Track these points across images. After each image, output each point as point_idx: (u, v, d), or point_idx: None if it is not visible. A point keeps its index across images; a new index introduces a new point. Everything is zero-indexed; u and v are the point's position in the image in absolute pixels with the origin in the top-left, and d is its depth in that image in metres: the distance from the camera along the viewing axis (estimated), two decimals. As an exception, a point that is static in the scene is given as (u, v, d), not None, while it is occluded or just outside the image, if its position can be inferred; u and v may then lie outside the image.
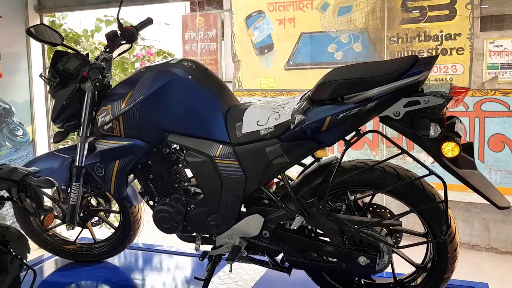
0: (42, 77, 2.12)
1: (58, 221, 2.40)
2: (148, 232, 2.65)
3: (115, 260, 2.52)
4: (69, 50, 2.08)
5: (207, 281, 1.95)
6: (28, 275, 1.68)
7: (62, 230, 2.56)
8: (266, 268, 2.35)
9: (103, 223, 2.49)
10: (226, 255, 1.92)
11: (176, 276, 2.41)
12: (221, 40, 8.45)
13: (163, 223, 1.99)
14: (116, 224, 2.46)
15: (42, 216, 2.13)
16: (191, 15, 8.67)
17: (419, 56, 1.56)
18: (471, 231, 6.58)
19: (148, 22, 2.23)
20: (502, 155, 6.49)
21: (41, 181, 1.77)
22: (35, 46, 3.23)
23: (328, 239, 1.80)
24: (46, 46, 3.24)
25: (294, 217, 1.77)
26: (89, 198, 2.38)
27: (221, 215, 1.88)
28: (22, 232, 2.04)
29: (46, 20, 3.45)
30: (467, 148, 1.60)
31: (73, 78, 2.02)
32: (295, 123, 1.64)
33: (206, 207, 1.91)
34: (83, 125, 2.06)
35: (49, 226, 2.45)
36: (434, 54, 5.53)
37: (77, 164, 2.12)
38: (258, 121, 1.76)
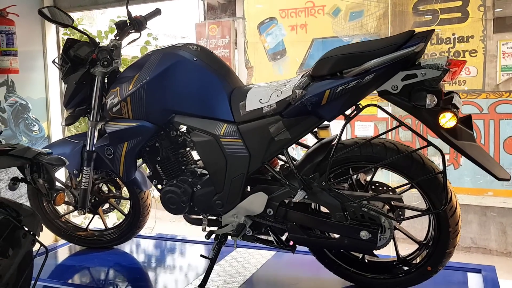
0: (55, 64, 2.21)
1: (71, 208, 2.47)
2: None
3: (126, 247, 2.58)
4: (75, 36, 2.16)
5: (213, 259, 1.99)
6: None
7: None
8: (273, 252, 2.39)
9: (113, 210, 2.54)
10: (231, 235, 1.96)
11: (184, 262, 2.45)
12: (234, 47, 8.56)
13: (171, 204, 2.04)
14: (126, 212, 2.52)
15: (54, 196, 2.19)
16: (204, 23, 8.81)
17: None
18: (487, 235, 6.49)
19: (156, 12, 2.31)
20: (519, 157, 6.41)
21: (53, 159, 1.84)
22: (51, 44, 3.34)
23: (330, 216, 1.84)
24: (60, 39, 3.34)
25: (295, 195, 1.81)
26: (100, 185, 2.45)
27: (226, 193, 1.92)
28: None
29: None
30: (466, 121, 1.62)
31: (83, 64, 2.10)
32: (296, 98, 1.69)
33: (212, 187, 1.96)
34: (93, 110, 2.13)
35: (62, 213, 2.52)
36: (445, 54, 5.54)
37: (88, 149, 2.19)
38: (261, 99, 1.81)
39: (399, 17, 6.87)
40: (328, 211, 1.84)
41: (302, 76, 1.76)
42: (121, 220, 2.53)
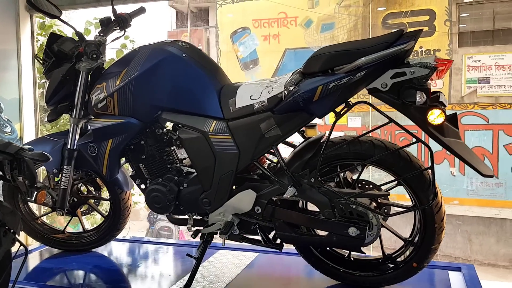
0: (38, 58, 2.15)
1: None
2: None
3: (104, 250, 2.51)
4: (58, 32, 2.11)
5: (199, 259, 1.97)
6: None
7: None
8: (256, 254, 2.38)
9: (93, 211, 2.48)
10: (219, 233, 1.95)
11: (165, 264, 2.41)
12: (206, 56, 8.56)
13: (155, 203, 2.00)
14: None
15: (35, 194, 2.12)
16: (177, 31, 8.79)
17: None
18: (453, 243, 6.67)
19: (140, 10, 2.29)
20: (482, 168, 6.61)
21: (36, 154, 1.78)
22: (25, 44, 3.26)
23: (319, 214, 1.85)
24: (35, 45, 3.27)
25: (286, 191, 1.81)
26: (79, 186, 2.39)
27: (214, 191, 1.91)
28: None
29: (36, 21, 3.49)
30: (452, 118, 1.67)
31: (67, 59, 2.06)
32: (288, 94, 1.70)
33: (199, 185, 1.94)
34: (76, 107, 2.08)
35: (38, 215, 2.44)
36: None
37: (69, 147, 2.13)
38: (251, 95, 1.81)
39: (368, 30, 7.05)
40: (316, 209, 1.85)
41: (292, 74, 1.78)
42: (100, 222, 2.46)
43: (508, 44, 6.98)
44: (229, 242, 2.00)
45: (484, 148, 6.19)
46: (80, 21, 3.86)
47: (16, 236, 1.76)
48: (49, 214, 2.63)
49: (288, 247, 2.13)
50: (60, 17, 2.08)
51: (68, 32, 4.03)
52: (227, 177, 1.88)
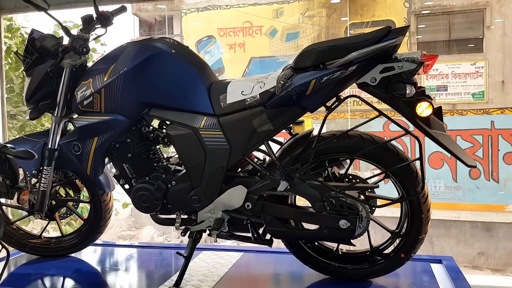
0: (18, 55, 2.09)
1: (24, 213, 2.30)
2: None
3: (84, 255, 2.44)
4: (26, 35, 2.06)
5: (188, 257, 1.95)
6: None
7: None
8: (240, 253, 2.38)
9: (71, 215, 2.40)
10: (209, 231, 1.93)
11: (148, 266, 2.36)
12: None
13: (142, 202, 1.97)
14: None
15: (19, 192, 2.04)
16: (140, 39, 8.71)
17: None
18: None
19: (122, 9, 2.26)
20: (441, 172, 6.87)
21: (20, 152, 1.73)
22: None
23: (308, 208, 1.87)
24: (2, 41, 3.15)
25: (277, 187, 1.83)
26: (57, 188, 2.31)
27: (204, 188, 1.90)
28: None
29: (4, 23, 3.38)
30: (437, 112, 1.74)
31: (50, 56, 2.00)
32: (281, 88, 1.72)
33: (188, 182, 1.93)
34: (58, 105, 2.03)
35: (14, 219, 2.35)
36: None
37: (49, 146, 2.07)
38: (243, 91, 1.82)
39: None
40: (305, 203, 1.88)
41: (283, 69, 1.81)
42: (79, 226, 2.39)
43: (464, 53, 7.31)
44: (208, 245, 1.98)
45: (443, 153, 6.43)
46: (49, 24, 3.76)
47: (-1, 237, 1.69)
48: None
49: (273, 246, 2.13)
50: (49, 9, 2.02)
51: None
52: (218, 173, 1.87)
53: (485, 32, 7.03)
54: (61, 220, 2.39)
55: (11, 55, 3.58)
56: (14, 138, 2.27)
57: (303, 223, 2.01)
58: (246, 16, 7.90)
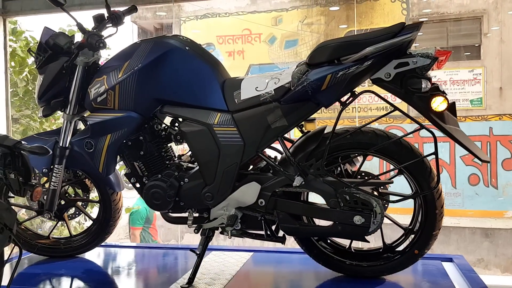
0: (30, 52, 2.08)
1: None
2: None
3: (90, 256, 2.42)
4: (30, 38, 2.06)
5: (201, 255, 1.94)
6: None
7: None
8: (250, 253, 2.37)
9: (80, 215, 2.39)
10: (222, 228, 1.93)
11: (158, 266, 2.35)
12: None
13: (155, 200, 1.97)
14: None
15: (33, 189, 2.01)
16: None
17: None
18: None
19: (133, 9, 2.27)
20: (441, 178, 6.88)
21: (35, 147, 1.72)
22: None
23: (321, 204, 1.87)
24: (7, 44, 3.15)
25: (291, 183, 1.83)
26: (66, 188, 2.30)
27: (217, 185, 1.89)
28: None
29: (8, 26, 3.38)
30: (451, 107, 1.75)
31: (63, 53, 2.00)
32: (296, 83, 1.73)
33: (201, 179, 1.92)
34: (70, 103, 2.03)
35: (22, 220, 2.33)
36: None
37: (61, 145, 2.06)
38: (257, 87, 1.83)
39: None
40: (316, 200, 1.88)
41: (297, 65, 1.82)
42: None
43: (461, 60, 7.36)
44: (217, 245, 1.97)
45: (442, 159, 6.45)
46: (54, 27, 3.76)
47: (13, 233, 1.68)
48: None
49: (281, 246, 2.13)
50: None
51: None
52: (231, 169, 1.87)
53: (482, 39, 7.10)
54: (70, 220, 2.37)
55: (15, 58, 3.59)
56: (24, 137, 2.26)
57: (314, 221, 2.01)
58: (245, 24, 7.93)
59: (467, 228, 7.11)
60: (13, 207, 2.31)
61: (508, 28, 6.97)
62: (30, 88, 3.73)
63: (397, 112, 1.84)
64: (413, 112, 1.78)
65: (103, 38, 2.00)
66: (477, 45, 7.08)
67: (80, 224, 4.01)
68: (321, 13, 7.62)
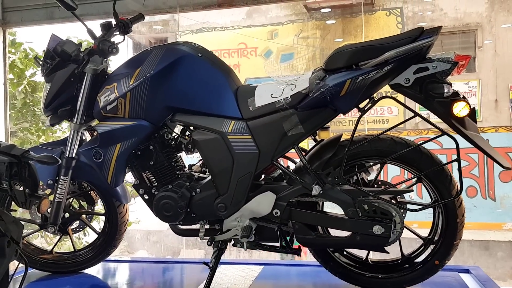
0: (37, 60, 2.02)
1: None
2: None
3: (92, 272, 2.33)
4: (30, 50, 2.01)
5: (214, 268, 1.87)
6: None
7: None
8: (261, 266, 2.30)
9: (84, 228, 2.31)
10: (237, 239, 1.86)
11: (171, 281, 2.27)
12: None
13: (165, 211, 1.90)
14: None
15: (40, 201, 1.94)
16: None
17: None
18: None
19: (140, 17, 2.23)
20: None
21: (44, 156, 1.65)
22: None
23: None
24: (6, 56, 3.08)
25: (308, 192, 1.77)
26: (70, 200, 2.23)
27: (230, 195, 1.83)
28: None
29: (8, 37, 3.32)
30: (471, 113, 1.72)
31: (71, 61, 1.95)
32: (314, 89, 1.69)
33: (214, 190, 1.86)
34: (78, 112, 1.97)
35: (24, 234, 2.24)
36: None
37: (67, 155, 1.99)
38: (272, 94, 1.78)
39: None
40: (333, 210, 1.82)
41: (313, 72, 1.78)
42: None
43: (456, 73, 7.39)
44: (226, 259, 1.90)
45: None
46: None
47: (20, 247, 1.60)
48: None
49: (292, 259, 2.07)
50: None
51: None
52: (246, 179, 1.81)
53: (477, 52, 7.15)
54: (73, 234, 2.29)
55: (14, 70, 3.51)
56: (29, 147, 2.19)
57: (329, 231, 1.95)
58: (240, 38, 7.94)
59: (465, 240, 7.07)
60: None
61: (502, 41, 7.04)
62: (28, 101, 3.65)
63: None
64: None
65: (115, 43, 1.95)
66: (472, 57, 7.14)
67: (80, 239, 3.91)
68: (316, 27, 7.66)
